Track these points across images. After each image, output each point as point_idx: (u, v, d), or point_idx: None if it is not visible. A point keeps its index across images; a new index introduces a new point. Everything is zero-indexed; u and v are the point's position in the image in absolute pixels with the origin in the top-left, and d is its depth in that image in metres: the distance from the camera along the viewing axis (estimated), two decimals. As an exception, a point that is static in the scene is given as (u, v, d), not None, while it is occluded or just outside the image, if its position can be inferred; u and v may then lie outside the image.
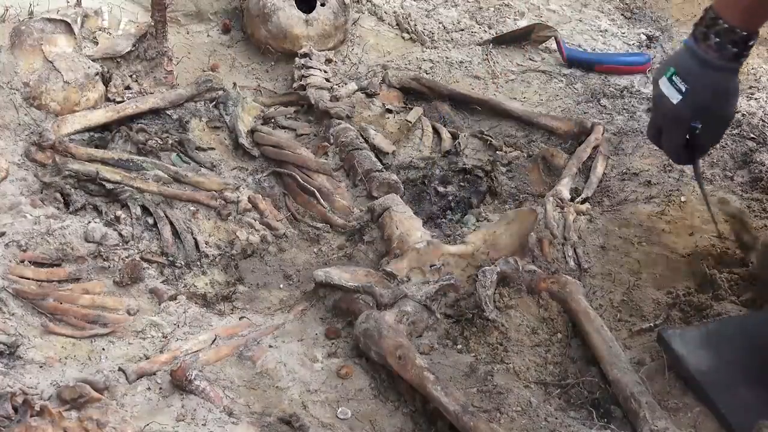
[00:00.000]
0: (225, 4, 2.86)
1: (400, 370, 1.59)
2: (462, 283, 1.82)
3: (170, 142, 2.26)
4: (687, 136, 1.71)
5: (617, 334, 1.78)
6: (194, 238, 2.04)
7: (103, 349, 1.72)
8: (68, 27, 2.32)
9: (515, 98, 2.67)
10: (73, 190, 2.09)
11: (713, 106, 1.67)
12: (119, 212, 2.06)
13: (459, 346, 1.72)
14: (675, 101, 1.67)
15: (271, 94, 2.62)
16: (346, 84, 2.56)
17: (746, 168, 2.30)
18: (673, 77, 1.68)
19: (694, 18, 3.00)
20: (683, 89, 1.66)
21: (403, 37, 2.93)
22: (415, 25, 2.93)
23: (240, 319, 1.83)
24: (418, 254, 1.89)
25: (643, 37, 3.00)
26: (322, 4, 2.70)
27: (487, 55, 2.86)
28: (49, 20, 2.30)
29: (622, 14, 3.13)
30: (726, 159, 2.34)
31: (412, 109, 2.52)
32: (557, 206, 2.11)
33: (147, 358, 1.68)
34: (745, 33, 1.60)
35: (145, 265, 1.95)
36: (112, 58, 2.38)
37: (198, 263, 2.00)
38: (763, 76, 2.74)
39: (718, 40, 1.61)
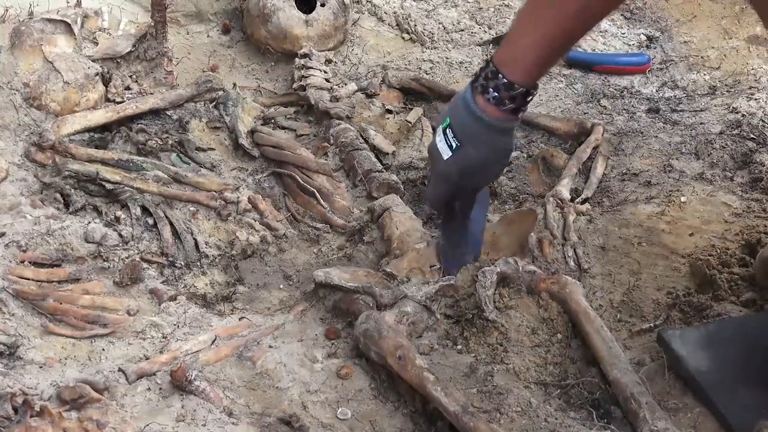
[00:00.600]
0: (225, 4, 2.86)
1: (400, 370, 1.58)
2: (462, 284, 1.82)
3: (170, 142, 2.26)
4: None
5: (617, 334, 1.78)
6: (194, 239, 2.04)
7: (103, 349, 1.72)
8: (68, 27, 2.32)
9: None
10: (73, 190, 2.09)
11: (481, 166, 1.67)
12: (119, 213, 2.06)
13: (459, 347, 1.72)
14: (445, 157, 1.66)
15: (271, 95, 2.62)
16: (346, 84, 2.56)
17: (746, 168, 2.30)
18: (447, 130, 1.66)
19: (694, 18, 3.02)
20: (454, 146, 1.64)
21: (403, 38, 2.93)
22: (415, 25, 2.93)
23: (240, 319, 1.83)
24: (418, 254, 1.89)
25: (643, 38, 3.00)
26: (322, 5, 2.71)
27: (487, 55, 2.86)
28: (49, 21, 2.30)
29: (621, 14, 3.13)
30: (726, 159, 2.34)
31: (412, 109, 2.52)
32: (557, 207, 2.11)
33: (147, 359, 1.68)
34: (523, 89, 1.59)
35: (145, 265, 1.95)
36: (112, 58, 2.38)
37: (198, 264, 2.00)
38: (763, 76, 2.74)
39: (496, 95, 1.58)
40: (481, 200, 1.85)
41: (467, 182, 1.73)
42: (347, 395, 1.63)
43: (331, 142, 2.32)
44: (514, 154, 2.37)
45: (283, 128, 2.43)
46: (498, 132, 1.64)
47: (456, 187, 1.73)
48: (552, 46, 1.57)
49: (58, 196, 2.08)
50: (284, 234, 2.13)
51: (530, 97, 1.63)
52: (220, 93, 2.42)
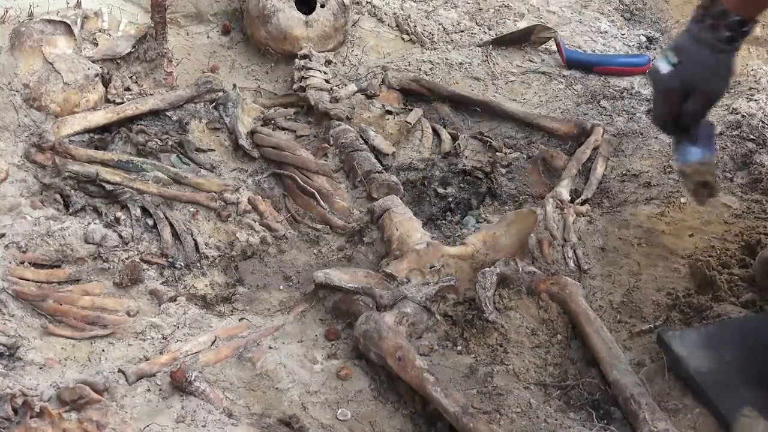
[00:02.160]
0: (225, 5, 2.86)
1: (399, 371, 1.59)
2: (462, 285, 1.82)
3: (170, 143, 2.26)
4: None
5: (617, 335, 1.78)
6: (194, 240, 2.04)
7: (103, 350, 1.72)
8: (68, 28, 2.32)
9: (515, 100, 2.67)
10: (72, 191, 2.09)
11: (699, 80, 1.69)
12: (119, 213, 2.06)
13: (459, 348, 1.72)
14: (664, 72, 1.69)
15: (270, 96, 2.62)
16: (345, 85, 2.56)
17: (746, 169, 2.30)
18: (668, 53, 1.71)
19: (693, 19, 3.02)
20: (674, 62, 1.69)
21: (402, 39, 2.93)
22: (415, 26, 2.93)
23: (240, 320, 1.83)
24: (418, 255, 1.89)
25: (643, 39, 3.00)
26: (322, 6, 2.71)
27: (486, 56, 2.86)
28: (49, 21, 2.30)
29: (621, 16, 3.13)
30: (726, 160, 2.34)
31: (411, 110, 2.52)
32: (557, 207, 2.11)
33: (147, 360, 1.68)
34: (738, 18, 1.63)
35: (145, 266, 1.95)
36: (111, 59, 2.38)
37: (198, 264, 2.00)
38: (762, 77, 2.74)
39: (712, 21, 1.64)
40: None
41: (688, 99, 1.72)
42: (347, 396, 1.63)
43: (331, 143, 2.32)
44: (513, 155, 2.37)
45: (283, 129, 2.43)
46: (716, 51, 1.67)
47: (677, 104, 1.72)
48: None
49: (57, 197, 2.08)
50: (284, 235, 2.13)
51: (745, 28, 1.66)
52: (220, 94, 2.42)
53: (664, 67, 1.71)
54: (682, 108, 1.72)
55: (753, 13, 1.67)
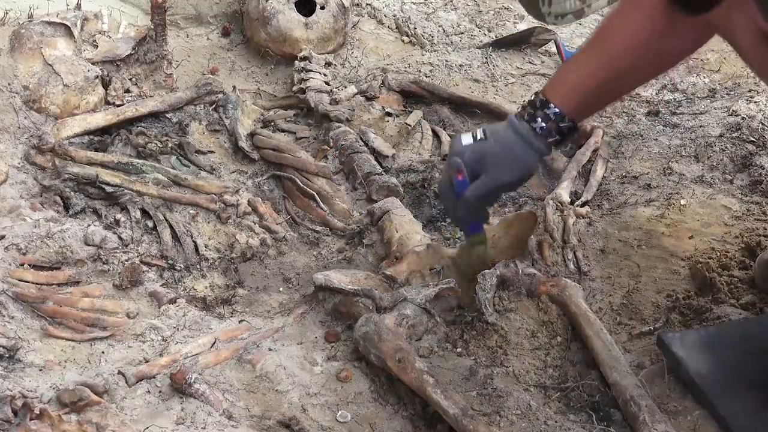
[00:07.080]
0: (225, 7, 2.87)
1: (399, 373, 1.58)
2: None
3: (170, 145, 2.26)
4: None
5: (617, 337, 1.78)
6: (194, 242, 2.04)
7: (103, 352, 1.72)
8: (68, 30, 2.32)
9: (515, 101, 2.67)
10: (72, 193, 2.09)
11: (491, 163, 1.60)
12: (119, 215, 2.06)
13: (458, 350, 1.72)
14: (464, 143, 1.63)
15: (270, 98, 2.62)
16: (345, 87, 2.57)
17: (746, 171, 2.30)
18: (478, 130, 1.64)
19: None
20: (478, 137, 1.62)
21: (402, 41, 2.93)
22: (415, 28, 2.94)
23: (240, 322, 1.83)
24: (418, 257, 1.89)
25: (643, 41, 3.00)
26: (322, 8, 2.71)
27: (486, 58, 2.86)
28: (49, 23, 2.30)
29: (621, 17, 3.13)
30: (725, 162, 2.34)
31: (411, 112, 2.52)
32: (557, 209, 2.11)
33: (147, 362, 1.68)
34: (571, 123, 1.58)
35: (145, 268, 1.95)
36: (111, 61, 2.39)
37: (198, 266, 2.00)
38: (762, 79, 2.74)
39: (544, 124, 1.58)
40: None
41: (479, 174, 1.63)
42: (347, 398, 1.63)
43: (331, 144, 2.32)
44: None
45: (283, 131, 2.43)
46: (528, 145, 1.60)
47: (455, 166, 1.65)
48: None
49: (57, 198, 2.08)
50: (284, 237, 2.12)
51: (573, 134, 1.62)
52: (220, 96, 2.42)
53: (466, 139, 1.63)
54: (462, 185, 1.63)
55: (582, 117, 1.61)
